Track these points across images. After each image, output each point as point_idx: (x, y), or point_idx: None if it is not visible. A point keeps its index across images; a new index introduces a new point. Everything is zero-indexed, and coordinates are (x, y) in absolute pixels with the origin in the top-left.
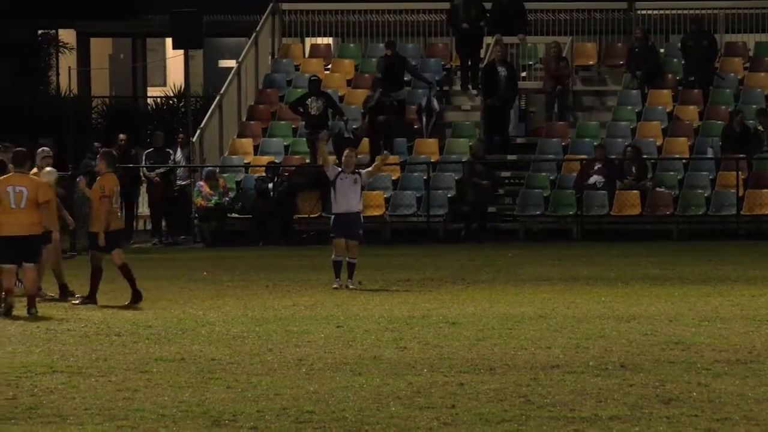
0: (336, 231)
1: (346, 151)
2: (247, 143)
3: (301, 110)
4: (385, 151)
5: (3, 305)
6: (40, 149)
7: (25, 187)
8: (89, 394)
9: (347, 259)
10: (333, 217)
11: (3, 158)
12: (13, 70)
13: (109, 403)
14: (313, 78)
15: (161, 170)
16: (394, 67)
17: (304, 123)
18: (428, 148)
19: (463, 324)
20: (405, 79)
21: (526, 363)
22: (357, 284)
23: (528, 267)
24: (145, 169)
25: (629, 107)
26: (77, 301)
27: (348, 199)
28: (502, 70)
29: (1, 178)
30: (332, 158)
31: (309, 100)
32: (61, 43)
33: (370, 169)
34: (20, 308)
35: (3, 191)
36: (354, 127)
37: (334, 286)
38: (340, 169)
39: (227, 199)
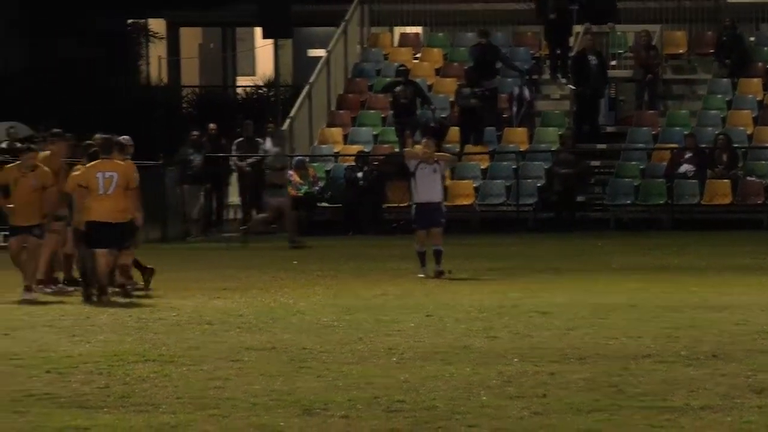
0: (418, 222)
1: (424, 141)
2: (337, 132)
3: (392, 100)
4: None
5: (120, 288)
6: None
7: (115, 172)
8: (181, 382)
9: (433, 247)
10: (414, 207)
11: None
12: (103, 60)
13: (201, 391)
14: (400, 67)
15: (252, 160)
16: (486, 55)
17: (392, 112)
18: (517, 137)
19: (554, 313)
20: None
21: (617, 352)
22: (447, 273)
23: (618, 256)
24: (235, 158)
25: (719, 96)
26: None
27: (428, 189)
28: (592, 59)
29: (90, 164)
30: (418, 147)
31: (398, 88)
32: (150, 33)
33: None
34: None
35: (92, 177)
36: (442, 116)
37: (420, 275)
38: (420, 159)
39: (317, 188)
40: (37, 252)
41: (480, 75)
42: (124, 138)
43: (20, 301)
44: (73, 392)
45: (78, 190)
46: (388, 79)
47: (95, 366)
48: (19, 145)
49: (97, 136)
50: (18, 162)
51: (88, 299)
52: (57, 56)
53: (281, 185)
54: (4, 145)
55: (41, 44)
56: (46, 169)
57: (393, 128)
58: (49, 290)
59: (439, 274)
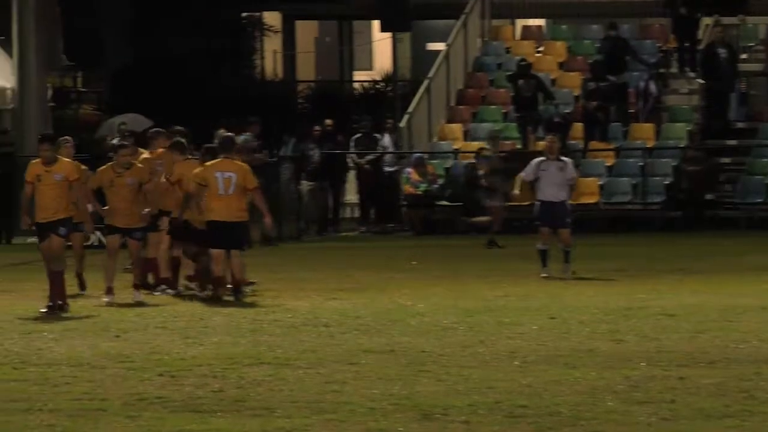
0: (542, 219)
1: (549, 137)
2: (456, 128)
3: (514, 95)
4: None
5: (212, 292)
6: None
7: (233, 173)
8: (297, 386)
9: (561, 247)
10: (538, 204)
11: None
12: (217, 54)
13: (317, 395)
14: (522, 61)
15: (371, 157)
16: (615, 49)
17: (513, 107)
18: (644, 132)
19: (682, 316)
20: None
21: (749, 356)
22: (570, 274)
23: (749, 256)
24: (354, 155)
25: None
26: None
27: (552, 187)
28: (722, 52)
29: (210, 163)
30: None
31: (520, 81)
32: (265, 26)
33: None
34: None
35: (211, 176)
36: (566, 111)
37: (543, 275)
38: (542, 158)
39: (436, 186)
40: (139, 255)
41: (609, 69)
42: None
43: (133, 303)
44: (186, 396)
45: (197, 189)
46: (510, 74)
47: (209, 369)
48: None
49: (220, 132)
50: (112, 162)
51: (216, 298)
52: (169, 50)
53: (495, 188)
54: (115, 141)
55: (153, 38)
56: (140, 165)
57: (514, 124)
58: (172, 291)
59: (566, 273)
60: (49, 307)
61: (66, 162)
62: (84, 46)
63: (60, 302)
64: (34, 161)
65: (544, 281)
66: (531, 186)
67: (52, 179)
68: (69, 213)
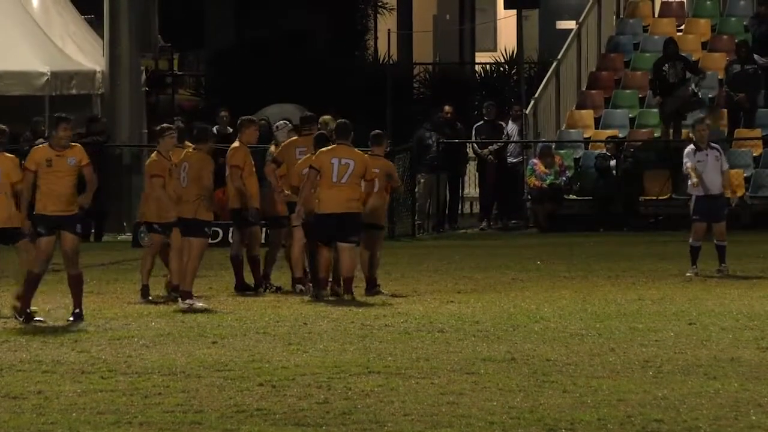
0: (699, 213)
1: (697, 125)
2: (588, 115)
3: (657, 79)
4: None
5: (314, 290)
6: (280, 122)
7: (352, 160)
8: (409, 397)
9: (717, 242)
10: (694, 198)
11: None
12: (326, 34)
13: (432, 407)
14: (666, 41)
15: (495, 147)
16: (767, 27)
17: (659, 91)
18: None
19: None
20: None
21: None
22: (727, 271)
23: None
24: (475, 145)
25: None
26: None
27: (708, 178)
28: None
29: (326, 149)
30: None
31: (666, 65)
32: (380, 4)
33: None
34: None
35: (327, 163)
36: (710, 96)
37: (688, 273)
38: (693, 147)
39: (564, 178)
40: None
41: (761, 50)
42: (283, 122)
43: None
44: (288, 408)
45: (309, 173)
46: (648, 55)
47: (313, 378)
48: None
49: (326, 117)
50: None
51: (318, 298)
52: (274, 31)
53: None
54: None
55: (257, 17)
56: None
57: (654, 110)
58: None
59: (722, 272)
60: (76, 314)
61: (77, 146)
62: (182, 26)
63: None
64: (39, 146)
65: (683, 284)
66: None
67: (66, 165)
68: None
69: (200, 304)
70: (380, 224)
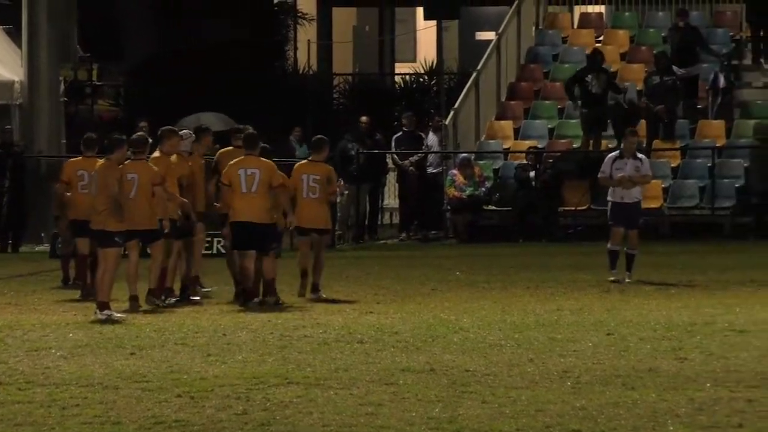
0: (615, 219)
1: (628, 131)
2: (507, 126)
3: (576, 92)
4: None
5: (240, 295)
6: (184, 131)
7: (257, 169)
8: (328, 408)
9: (626, 249)
10: (610, 204)
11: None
12: (245, 45)
13: (351, 418)
14: (592, 51)
15: (415, 158)
16: (685, 39)
17: (581, 101)
18: (714, 130)
19: (753, 332)
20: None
21: None
22: (629, 278)
23: None
24: (395, 156)
25: None
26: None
27: (626, 187)
28: None
29: (234, 161)
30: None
31: (590, 76)
32: (299, 14)
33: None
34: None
35: (234, 175)
36: (630, 97)
37: (610, 278)
38: (617, 153)
39: (483, 189)
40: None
41: (677, 61)
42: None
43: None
44: (207, 419)
45: (224, 188)
46: (567, 66)
47: (232, 390)
48: None
49: (243, 128)
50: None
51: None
52: (194, 41)
53: None
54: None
55: (177, 28)
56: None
57: (572, 121)
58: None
59: (627, 280)
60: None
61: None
62: (101, 36)
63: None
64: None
65: (601, 295)
66: (587, 189)
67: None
68: None
69: (118, 315)
70: (324, 229)
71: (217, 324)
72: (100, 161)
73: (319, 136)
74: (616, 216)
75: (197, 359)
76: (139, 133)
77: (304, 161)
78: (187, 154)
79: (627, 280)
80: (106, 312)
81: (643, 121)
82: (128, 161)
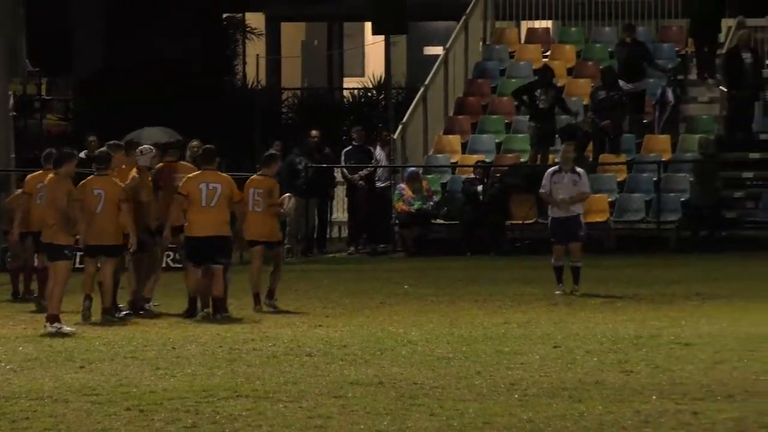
0: (556, 236)
1: (565, 145)
2: (455, 140)
3: (525, 101)
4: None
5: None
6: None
7: (219, 183)
8: (277, 421)
9: (570, 263)
10: (550, 219)
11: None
12: (195, 59)
13: (300, 431)
14: (542, 67)
15: (364, 172)
16: (632, 54)
17: (529, 116)
18: (659, 145)
19: (698, 345)
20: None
21: None
22: (577, 290)
23: None
24: (344, 170)
25: None
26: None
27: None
28: (747, 57)
29: (193, 175)
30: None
31: (538, 91)
32: (248, 29)
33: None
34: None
35: (195, 188)
36: (577, 121)
37: (557, 292)
38: (556, 167)
39: (431, 203)
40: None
41: (624, 75)
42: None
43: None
44: None
45: (177, 198)
46: (514, 81)
47: (181, 403)
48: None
49: (195, 143)
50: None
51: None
52: (143, 56)
53: None
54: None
55: (126, 42)
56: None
57: (520, 135)
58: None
59: (573, 293)
60: None
61: None
62: (50, 51)
63: None
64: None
65: (549, 308)
66: (534, 203)
67: None
68: None
69: (68, 328)
70: (275, 241)
71: (166, 337)
72: (50, 175)
73: (270, 151)
74: (557, 232)
75: (146, 373)
76: (101, 149)
77: (254, 175)
78: (146, 170)
79: (576, 293)
80: (56, 325)
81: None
82: (92, 177)
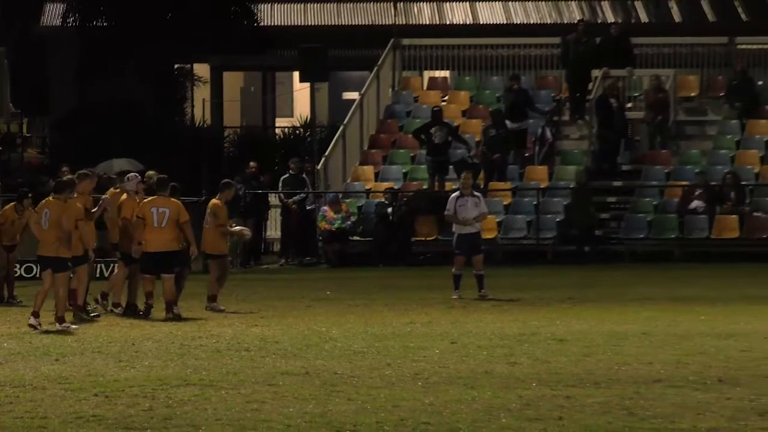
0: (459, 249)
1: (464, 174)
2: (369, 170)
3: (424, 137)
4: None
5: (144, 308)
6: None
7: (167, 208)
8: (220, 405)
9: (474, 272)
10: (455, 236)
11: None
12: (152, 102)
13: (239, 414)
14: (435, 108)
15: (297, 198)
16: (518, 99)
17: (426, 150)
18: (538, 174)
19: (571, 341)
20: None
21: (630, 377)
22: (488, 294)
23: (633, 287)
24: (281, 195)
25: (729, 136)
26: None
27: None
28: (614, 101)
29: (147, 200)
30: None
31: (433, 129)
32: (196, 77)
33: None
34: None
35: (148, 212)
36: (470, 154)
37: (453, 297)
38: (458, 193)
39: (349, 222)
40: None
41: (511, 117)
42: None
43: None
44: (119, 414)
45: (137, 221)
46: (418, 121)
47: (140, 390)
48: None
49: (150, 172)
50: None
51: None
52: (110, 97)
53: None
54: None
55: (95, 88)
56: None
57: (422, 166)
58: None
59: (483, 297)
60: None
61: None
62: (30, 95)
63: None
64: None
65: (447, 310)
66: (435, 222)
67: None
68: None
69: (74, 327)
70: (219, 254)
71: (127, 335)
72: (49, 200)
73: (225, 180)
74: (460, 245)
75: (111, 365)
76: (70, 176)
77: (213, 198)
78: (133, 193)
79: (482, 294)
80: (64, 325)
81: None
82: (49, 199)
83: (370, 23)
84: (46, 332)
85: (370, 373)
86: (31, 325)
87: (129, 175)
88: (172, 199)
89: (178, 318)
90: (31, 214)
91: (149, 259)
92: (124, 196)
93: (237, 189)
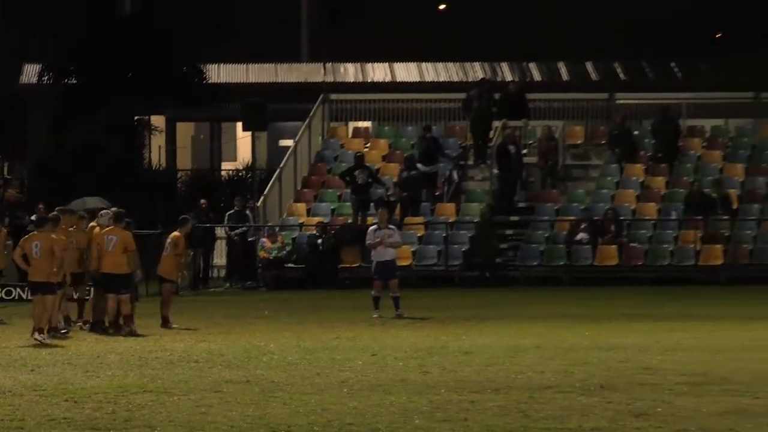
0: (377, 274)
1: (380, 210)
2: (302, 207)
3: (348, 179)
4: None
5: (124, 327)
6: (103, 211)
7: (116, 236)
8: (173, 409)
9: (391, 294)
10: (374, 263)
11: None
12: (115, 149)
13: (189, 416)
14: (358, 154)
15: (240, 230)
16: (430, 145)
17: (350, 190)
18: (447, 210)
19: (475, 353)
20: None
21: (525, 384)
22: (404, 313)
23: (527, 307)
24: (227, 228)
25: (609, 178)
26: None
27: (382, 249)
28: (512, 148)
29: (105, 230)
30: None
31: (357, 171)
32: (153, 127)
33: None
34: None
35: (102, 239)
36: (389, 193)
37: (374, 315)
38: (375, 226)
39: (285, 252)
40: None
41: (423, 161)
42: (106, 212)
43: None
44: (86, 417)
45: (96, 247)
46: (344, 165)
47: (104, 396)
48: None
49: (113, 209)
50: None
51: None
52: (81, 143)
53: None
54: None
55: (68, 134)
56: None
57: (349, 203)
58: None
59: (399, 316)
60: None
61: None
62: (10, 142)
63: None
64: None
65: (369, 326)
66: (359, 252)
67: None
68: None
69: (49, 340)
70: (170, 279)
71: (93, 349)
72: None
73: (183, 216)
74: (378, 271)
75: (79, 374)
76: (53, 213)
77: (174, 231)
78: (105, 227)
79: (398, 313)
80: (43, 335)
81: (396, 203)
82: (33, 233)
83: (303, 81)
84: (23, 346)
85: (303, 381)
86: (37, 340)
87: (102, 211)
88: (124, 230)
89: (134, 333)
90: (15, 248)
91: (102, 279)
92: (97, 229)
93: (193, 224)
